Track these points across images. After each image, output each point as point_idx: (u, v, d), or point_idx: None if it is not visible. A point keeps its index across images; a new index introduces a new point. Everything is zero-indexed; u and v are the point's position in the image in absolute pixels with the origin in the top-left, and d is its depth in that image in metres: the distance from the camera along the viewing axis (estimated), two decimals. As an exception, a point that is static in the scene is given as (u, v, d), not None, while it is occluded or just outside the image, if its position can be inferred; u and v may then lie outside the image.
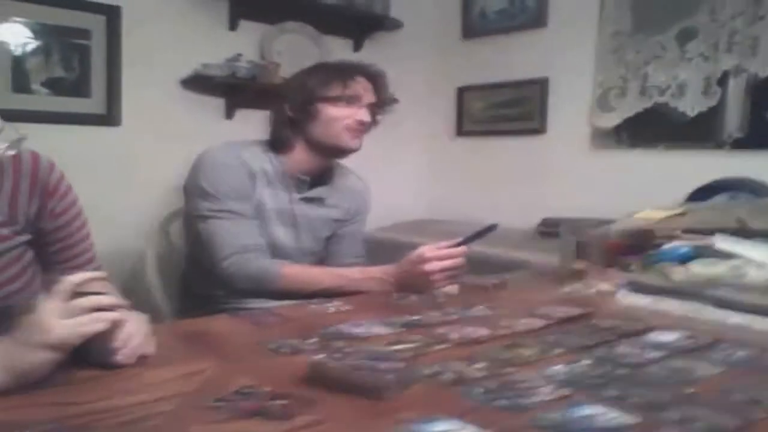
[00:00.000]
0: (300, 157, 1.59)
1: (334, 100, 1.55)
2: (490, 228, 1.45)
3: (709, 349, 1.01)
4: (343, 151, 1.60)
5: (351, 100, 1.56)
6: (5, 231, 1.04)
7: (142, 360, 0.82)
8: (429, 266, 1.35)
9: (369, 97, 1.60)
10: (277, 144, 1.60)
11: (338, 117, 1.55)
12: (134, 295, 2.11)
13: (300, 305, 1.27)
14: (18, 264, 1.06)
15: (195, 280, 1.60)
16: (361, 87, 1.59)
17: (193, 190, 1.50)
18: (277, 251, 1.53)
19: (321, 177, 1.65)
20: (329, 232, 1.68)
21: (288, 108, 1.58)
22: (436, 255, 1.37)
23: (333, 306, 1.25)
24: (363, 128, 1.58)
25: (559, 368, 0.88)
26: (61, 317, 0.74)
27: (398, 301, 1.32)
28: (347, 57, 3.08)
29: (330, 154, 1.61)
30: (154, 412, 0.67)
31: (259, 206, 1.53)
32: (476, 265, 1.49)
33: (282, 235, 1.57)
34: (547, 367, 0.88)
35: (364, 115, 1.57)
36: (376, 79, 1.64)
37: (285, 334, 1.00)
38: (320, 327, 1.05)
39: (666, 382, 0.84)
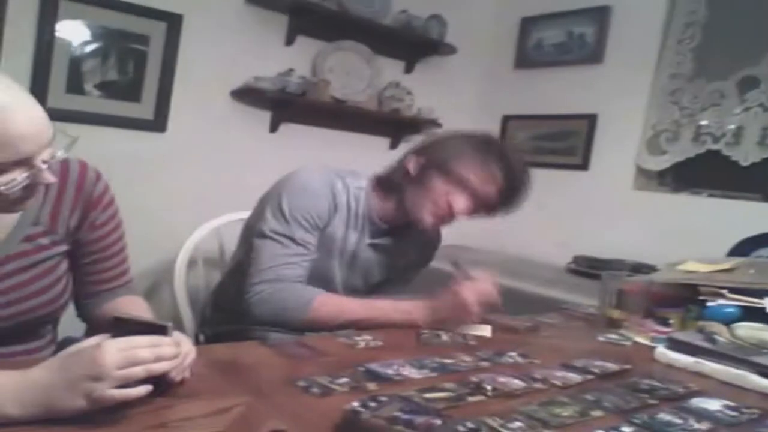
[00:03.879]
0: (389, 207, 1.53)
1: (447, 176, 1.43)
2: (457, 264, 1.45)
3: (755, 424, 0.96)
4: (416, 224, 1.50)
5: (462, 186, 1.43)
6: (44, 240, 1.04)
7: (174, 389, 0.81)
8: (468, 295, 1.33)
9: (486, 194, 1.45)
10: (381, 183, 1.54)
11: (437, 194, 1.44)
12: (157, 302, 2.15)
13: (329, 337, 1.25)
14: (52, 275, 1.06)
15: (232, 290, 1.54)
16: (486, 181, 1.43)
17: (271, 203, 1.45)
18: (325, 283, 1.48)
19: (400, 227, 1.56)
20: (382, 277, 1.63)
21: (414, 159, 1.49)
22: (475, 288, 1.35)
23: (363, 340, 1.23)
24: (450, 217, 1.46)
25: (597, 434, 0.85)
26: (119, 367, 0.72)
27: (428, 340, 1.29)
28: (401, 80, 3.10)
29: (408, 218, 1.51)
30: (185, 453, 0.66)
31: (328, 238, 1.48)
32: (505, 300, 1.46)
33: (336, 271, 1.53)
34: (585, 431, 0.85)
35: (462, 207, 1.43)
36: (513, 184, 1.46)
37: (315, 371, 0.99)
38: (350, 364, 1.04)
39: (712, 462, 0.82)
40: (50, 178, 0.91)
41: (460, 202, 1.43)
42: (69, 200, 1.06)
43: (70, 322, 1.19)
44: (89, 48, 2.34)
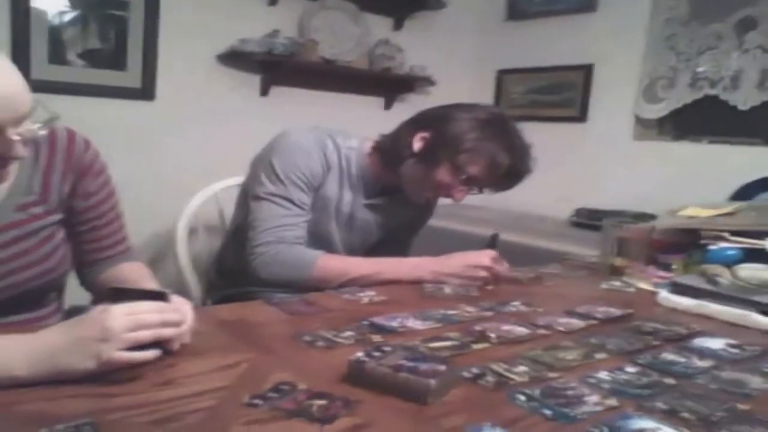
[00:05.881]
0: (384, 171, 1.51)
1: (457, 170, 1.41)
2: (495, 237, 1.47)
3: (758, 360, 0.97)
4: (407, 196, 1.53)
5: (468, 181, 1.44)
6: (38, 209, 1.03)
7: (179, 348, 0.81)
8: (483, 273, 1.36)
9: (485, 184, 1.47)
10: (380, 152, 1.51)
11: (441, 183, 1.44)
12: (162, 271, 2.15)
13: (334, 294, 1.25)
14: (49, 244, 1.05)
15: (233, 254, 1.55)
16: (492, 177, 1.44)
17: (263, 165, 1.44)
18: (325, 245, 1.48)
19: (393, 186, 1.54)
20: (379, 238, 1.63)
21: (419, 136, 1.45)
22: (494, 268, 1.37)
23: (366, 296, 1.23)
24: (443, 198, 1.51)
25: (602, 375, 0.85)
26: (126, 330, 0.72)
27: (432, 292, 1.29)
28: (390, 37, 3.03)
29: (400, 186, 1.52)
30: (191, 408, 0.66)
31: (323, 199, 1.47)
32: (508, 254, 1.46)
33: (334, 231, 1.52)
34: (589, 372, 0.85)
35: (459, 197, 1.46)
36: (514, 179, 1.48)
37: (320, 326, 0.98)
38: (355, 319, 1.03)
39: (717, 396, 0.80)
40: (22, 151, 0.87)
41: (463, 194, 1.46)
42: (59, 168, 1.04)
43: (79, 291, 1.18)
44: (67, 17, 2.27)
